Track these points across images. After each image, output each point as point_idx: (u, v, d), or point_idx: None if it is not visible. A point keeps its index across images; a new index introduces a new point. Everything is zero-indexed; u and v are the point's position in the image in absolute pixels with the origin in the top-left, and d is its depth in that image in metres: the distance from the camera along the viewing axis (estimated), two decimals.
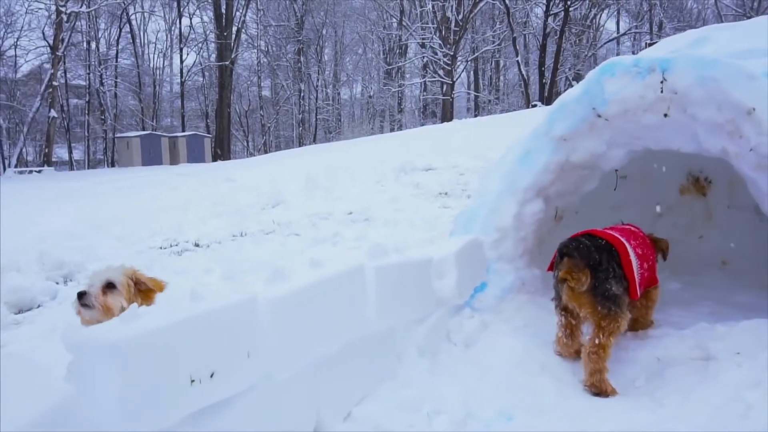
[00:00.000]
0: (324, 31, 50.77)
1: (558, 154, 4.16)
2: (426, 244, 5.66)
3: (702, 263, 5.10)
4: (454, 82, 41.39)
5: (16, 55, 42.58)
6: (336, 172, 12.82)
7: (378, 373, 3.09)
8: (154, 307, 2.06)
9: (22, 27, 41.16)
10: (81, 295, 2.77)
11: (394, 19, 47.80)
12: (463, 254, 3.81)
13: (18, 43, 41.98)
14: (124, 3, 43.41)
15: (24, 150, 40.73)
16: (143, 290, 2.87)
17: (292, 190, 10.91)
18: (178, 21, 47.30)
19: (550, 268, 3.37)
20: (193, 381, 1.94)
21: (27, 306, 5.30)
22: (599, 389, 2.98)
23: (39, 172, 31.39)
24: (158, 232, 8.49)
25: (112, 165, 43.07)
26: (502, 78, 53.21)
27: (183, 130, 45.34)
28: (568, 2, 36.98)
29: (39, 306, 5.37)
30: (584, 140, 4.06)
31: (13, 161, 35.85)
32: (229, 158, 36.84)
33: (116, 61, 47.44)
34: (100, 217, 10.13)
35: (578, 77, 39.31)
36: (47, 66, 37.56)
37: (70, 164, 44.16)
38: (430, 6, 40.83)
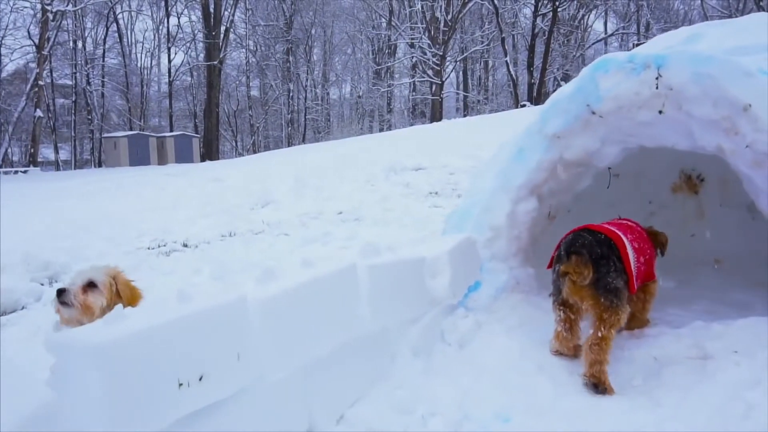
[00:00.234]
0: (313, 31, 50.68)
1: (552, 152, 4.12)
2: (418, 243, 5.61)
3: (694, 261, 5.08)
4: (443, 82, 41.44)
5: (0, 54, 42.09)
6: (325, 171, 12.76)
7: (371, 374, 3.03)
8: (140, 307, 1.99)
9: (7, 26, 40.72)
10: (60, 293, 2.68)
11: (383, 19, 47.81)
12: (457, 253, 3.75)
13: (3, 41, 41.51)
14: (110, 2, 43.14)
15: (9, 150, 40.24)
16: (128, 291, 2.78)
17: (282, 189, 10.84)
18: (165, 20, 47.04)
19: (550, 266, 3.33)
20: (181, 384, 1.88)
21: (11, 308, 5.19)
22: (598, 380, 2.95)
23: (24, 172, 31.06)
24: (146, 232, 8.38)
25: (99, 165, 42.73)
26: (491, 78, 53.33)
27: (171, 130, 45.06)
28: (557, 3, 37.12)
29: (23, 308, 5.26)
30: (578, 138, 4.02)
31: None
32: (218, 158, 36.62)
33: (103, 61, 47.09)
34: (87, 218, 9.99)
35: (566, 77, 39.55)
36: (33, 65, 37.15)
37: (57, 164, 43.72)
38: (419, 6, 40.84)
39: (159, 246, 7.54)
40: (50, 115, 42.31)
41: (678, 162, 5.43)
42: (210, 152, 39.22)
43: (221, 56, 41.20)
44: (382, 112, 49.68)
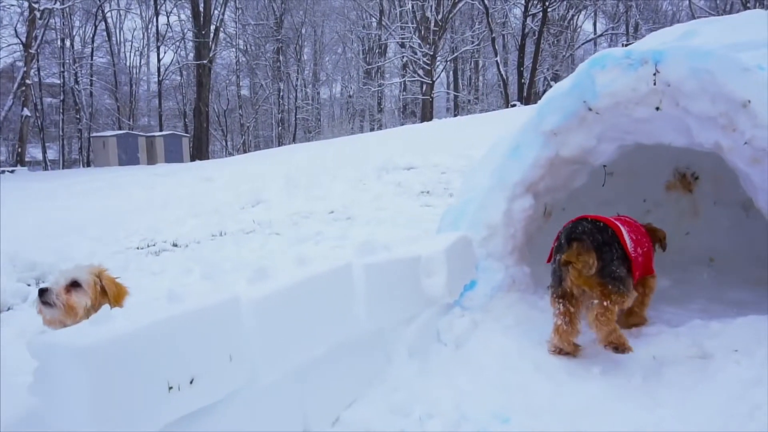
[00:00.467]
0: (303, 31, 50.43)
1: (548, 149, 4.07)
2: (413, 241, 5.55)
3: (689, 260, 5.07)
4: (433, 82, 41.35)
5: None
6: (316, 171, 12.68)
7: (367, 375, 2.97)
8: (128, 308, 1.92)
9: None
10: (42, 293, 2.59)
11: (374, 19, 47.66)
12: (453, 252, 3.69)
13: None
14: (99, 0, 42.67)
15: None
16: (114, 288, 2.70)
17: (272, 189, 10.76)
18: (154, 19, 46.55)
19: (550, 259, 3.28)
20: (171, 388, 1.80)
21: None
22: (618, 343, 3.03)
23: (12, 172, 30.63)
24: (135, 232, 8.29)
25: (88, 165, 42.30)
26: (481, 78, 53.33)
27: (160, 130, 44.67)
28: (547, 3, 37.16)
29: (9, 309, 5.16)
30: (574, 134, 3.97)
31: None
32: (208, 158, 36.36)
33: (91, 60, 46.59)
34: (75, 218, 9.86)
35: (556, 77, 39.65)
36: (20, 64, 36.64)
37: (45, 164, 43.24)
38: (409, 6, 40.75)
39: (148, 246, 7.44)
40: (38, 114, 41.82)
41: (672, 160, 5.42)
42: (200, 152, 38.93)
43: (211, 55, 40.87)
44: (373, 112, 49.55)
